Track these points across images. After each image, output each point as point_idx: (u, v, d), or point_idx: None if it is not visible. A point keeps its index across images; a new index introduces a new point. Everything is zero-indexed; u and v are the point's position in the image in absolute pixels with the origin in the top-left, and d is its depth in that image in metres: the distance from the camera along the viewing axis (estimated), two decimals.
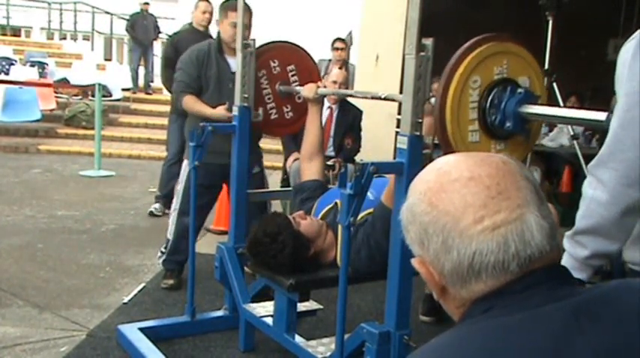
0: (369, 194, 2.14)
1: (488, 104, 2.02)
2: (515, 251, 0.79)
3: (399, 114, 2.28)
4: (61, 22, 15.53)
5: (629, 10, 6.69)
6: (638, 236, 1.42)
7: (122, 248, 4.49)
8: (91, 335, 3.10)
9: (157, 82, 10.11)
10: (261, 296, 2.90)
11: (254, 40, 3.06)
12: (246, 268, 3.00)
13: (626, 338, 0.74)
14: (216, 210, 4.58)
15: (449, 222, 0.81)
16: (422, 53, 2.10)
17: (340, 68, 5.63)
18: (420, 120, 2.13)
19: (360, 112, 4.71)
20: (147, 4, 11.33)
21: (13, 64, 11.39)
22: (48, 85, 10.18)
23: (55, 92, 10.32)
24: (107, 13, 14.67)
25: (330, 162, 4.16)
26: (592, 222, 1.39)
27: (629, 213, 1.36)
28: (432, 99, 2.09)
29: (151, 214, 5.39)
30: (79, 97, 10.55)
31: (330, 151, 4.53)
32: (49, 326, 3.19)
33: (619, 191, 1.34)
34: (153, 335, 2.98)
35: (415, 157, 2.13)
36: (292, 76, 3.23)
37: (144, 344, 2.89)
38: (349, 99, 4.64)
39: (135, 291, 3.66)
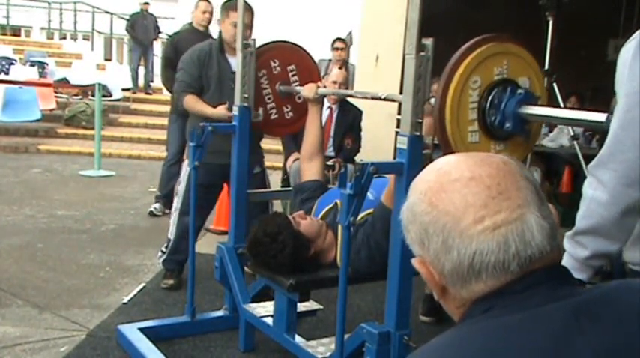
0: (369, 194, 2.15)
1: (488, 104, 2.02)
2: (516, 251, 0.79)
3: (399, 114, 2.28)
4: (61, 22, 15.53)
5: (629, 10, 6.69)
6: (638, 236, 1.42)
7: (122, 248, 4.49)
8: (91, 335, 3.10)
9: (157, 82, 10.11)
10: (261, 296, 2.90)
11: (254, 40, 3.06)
12: (246, 268, 3.00)
13: (626, 338, 0.74)
14: (216, 210, 4.58)
15: (449, 222, 0.81)
16: (422, 53, 2.10)
17: (340, 68, 5.63)
18: (420, 121, 2.13)
19: (360, 112, 4.71)
20: (147, 4, 11.33)
21: (13, 64, 11.39)
22: (48, 85, 10.18)
23: (55, 92, 10.32)
24: (107, 13, 14.67)
25: (330, 162, 4.16)
26: (592, 223, 1.39)
27: (629, 214, 1.36)
28: (432, 100, 2.09)
29: (151, 214, 5.39)
30: (79, 97, 10.55)
31: (330, 151, 4.53)
32: (49, 326, 3.19)
33: (619, 191, 1.35)
34: (153, 335, 2.98)
35: (415, 157, 2.13)
36: (292, 76, 3.23)
37: (144, 344, 2.89)
38: (349, 99, 4.65)
39: (135, 291, 3.66)
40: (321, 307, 2.86)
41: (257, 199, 3.45)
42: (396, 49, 5.08)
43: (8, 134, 9.07)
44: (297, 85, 3.18)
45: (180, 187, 3.68)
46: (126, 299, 3.54)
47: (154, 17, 11.45)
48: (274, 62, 3.18)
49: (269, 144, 4.73)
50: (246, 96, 3.03)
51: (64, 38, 15.63)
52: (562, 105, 4.61)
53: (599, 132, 4.99)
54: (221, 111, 3.43)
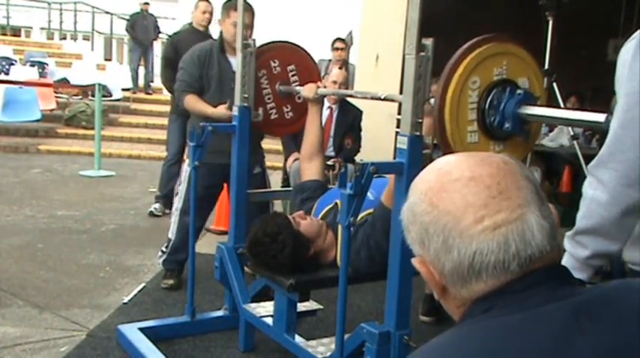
0: (369, 194, 2.15)
1: (487, 105, 2.01)
2: (516, 251, 0.79)
3: (399, 114, 2.28)
4: (61, 22, 15.53)
5: (629, 10, 6.69)
6: (638, 236, 1.42)
7: (122, 248, 4.49)
8: (91, 335, 3.10)
9: (157, 82, 10.11)
10: (261, 296, 2.90)
11: (254, 39, 3.06)
12: (246, 268, 3.00)
13: (626, 338, 0.74)
14: (216, 210, 4.58)
15: (449, 221, 0.81)
16: (422, 53, 2.10)
17: (340, 68, 5.63)
18: (420, 121, 2.13)
19: (360, 112, 4.71)
20: (147, 4, 11.33)
21: (13, 64, 11.39)
22: (48, 85, 10.18)
23: (55, 92, 10.32)
24: (107, 13, 14.67)
25: (330, 162, 4.16)
26: (592, 223, 1.39)
27: (629, 214, 1.36)
28: (432, 100, 2.09)
29: (151, 214, 5.39)
30: (79, 97, 10.55)
31: (330, 151, 4.53)
32: (49, 326, 3.19)
33: (619, 191, 1.35)
34: (153, 335, 2.98)
35: (415, 157, 2.13)
36: (292, 76, 3.23)
37: (144, 344, 2.89)
38: (349, 99, 4.65)
39: (135, 291, 3.66)
40: (321, 307, 2.86)
41: (257, 199, 3.45)
42: (396, 49, 5.08)
43: (8, 134, 9.07)
44: (297, 85, 3.18)
45: (181, 187, 3.68)
46: (126, 299, 3.54)
47: (154, 17, 11.46)
48: (274, 62, 3.18)
49: (269, 144, 4.73)
50: (246, 96, 3.03)
51: (64, 38, 15.63)
52: (562, 105, 4.61)
53: (599, 132, 4.99)
54: (221, 110, 3.43)
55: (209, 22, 5.18)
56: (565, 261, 1.42)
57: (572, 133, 5.04)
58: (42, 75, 11.30)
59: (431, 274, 0.85)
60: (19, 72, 10.99)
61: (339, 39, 6.41)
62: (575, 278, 0.86)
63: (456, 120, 1.99)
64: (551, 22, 4.34)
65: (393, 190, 2.24)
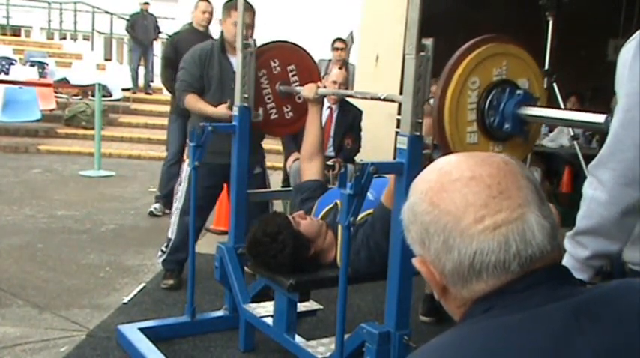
0: (369, 194, 2.15)
1: (486, 105, 2.01)
2: (516, 250, 0.79)
3: (399, 114, 2.28)
4: (61, 22, 15.53)
5: (629, 10, 6.70)
6: (638, 236, 1.42)
7: (122, 248, 4.49)
8: (91, 335, 3.10)
9: (157, 82, 10.11)
10: (261, 296, 2.90)
11: (254, 39, 3.06)
12: (246, 268, 3.00)
13: (626, 338, 0.74)
14: (216, 210, 4.58)
15: (450, 221, 0.81)
16: (422, 53, 2.10)
17: (340, 68, 5.63)
18: (420, 121, 2.13)
19: (360, 112, 4.71)
20: (147, 4, 11.33)
21: (13, 64, 11.39)
22: (48, 85, 10.17)
23: (55, 92, 10.32)
24: (107, 13, 14.67)
25: (330, 162, 4.16)
26: (592, 223, 1.39)
27: (629, 213, 1.36)
28: (432, 101, 2.09)
29: (151, 214, 5.39)
30: (79, 97, 10.55)
31: (330, 151, 4.53)
32: (49, 326, 3.19)
33: (618, 191, 1.35)
34: (153, 335, 2.98)
35: (415, 157, 2.13)
36: (292, 76, 3.23)
37: (144, 344, 2.89)
38: (349, 99, 4.65)
39: (135, 291, 3.66)
40: (321, 307, 2.86)
41: (257, 199, 3.45)
42: (396, 49, 5.08)
43: (8, 134, 9.07)
44: (297, 85, 3.18)
45: (181, 187, 3.68)
46: (126, 299, 3.54)
47: (154, 17, 11.45)
48: (274, 62, 3.18)
49: (269, 144, 4.72)
50: (246, 96, 3.03)
51: (64, 38, 15.62)
52: (562, 105, 4.61)
53: (599, 132, 4.99)
54: (222, 110, 3.43)
55: (209, 22, 5.18)
56: (565, 261, 1.43)
57: (572, 133, 5.04)
58: (42, 75, 11.30)
59: (431, 274, 0.85)
60: (19, 72, 10.98)
61: (339, 39, 6.42)
62: (576, 279, 0.86)
63: (455, 120, 1.99)
64: (551, 23, 4.34)
65: (393, 190, 2.24)
